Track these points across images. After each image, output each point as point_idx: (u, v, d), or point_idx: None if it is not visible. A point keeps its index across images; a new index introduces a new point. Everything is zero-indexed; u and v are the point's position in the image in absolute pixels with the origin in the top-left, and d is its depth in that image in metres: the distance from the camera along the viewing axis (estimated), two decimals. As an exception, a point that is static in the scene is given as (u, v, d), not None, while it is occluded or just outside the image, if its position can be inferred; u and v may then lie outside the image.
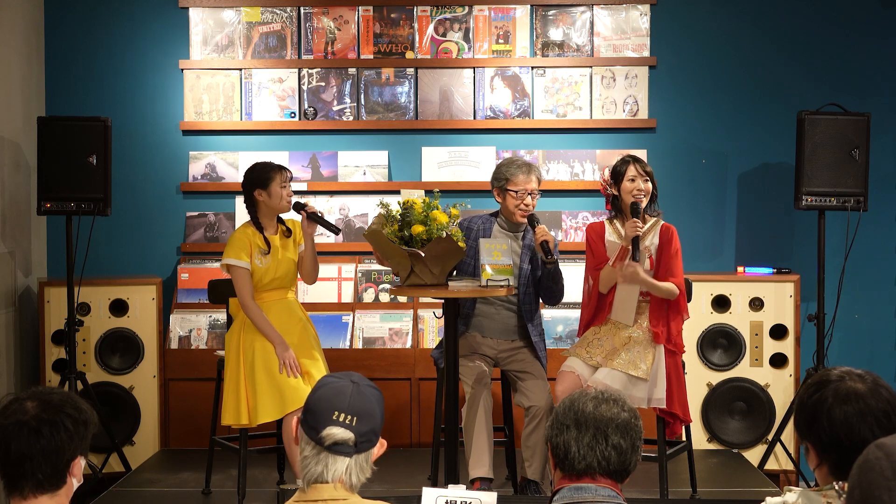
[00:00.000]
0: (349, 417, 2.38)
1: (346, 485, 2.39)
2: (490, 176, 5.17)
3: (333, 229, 5.13)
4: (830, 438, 2.38)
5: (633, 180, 4.90)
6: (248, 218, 5.16)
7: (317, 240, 5.17)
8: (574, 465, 2.49)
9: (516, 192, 5.02)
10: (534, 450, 4.89)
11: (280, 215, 5.13)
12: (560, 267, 5.07)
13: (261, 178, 5.04)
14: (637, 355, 4.79)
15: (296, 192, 5.18)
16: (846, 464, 2.35)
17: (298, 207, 5.09)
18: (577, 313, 6.08)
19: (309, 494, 2.39)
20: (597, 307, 5.04)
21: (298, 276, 5.22)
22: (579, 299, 6.05)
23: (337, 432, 2.37)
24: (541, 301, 5.23)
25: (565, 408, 2.55)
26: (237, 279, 4.97)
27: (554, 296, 5.13)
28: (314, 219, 5.07)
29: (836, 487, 2.35)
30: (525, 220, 5.06)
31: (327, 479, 2.38)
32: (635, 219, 4.84)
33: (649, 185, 4.91)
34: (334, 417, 2.38)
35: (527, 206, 5.03)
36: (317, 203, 6.41)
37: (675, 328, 4.93)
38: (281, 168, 5.08)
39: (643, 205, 4.91)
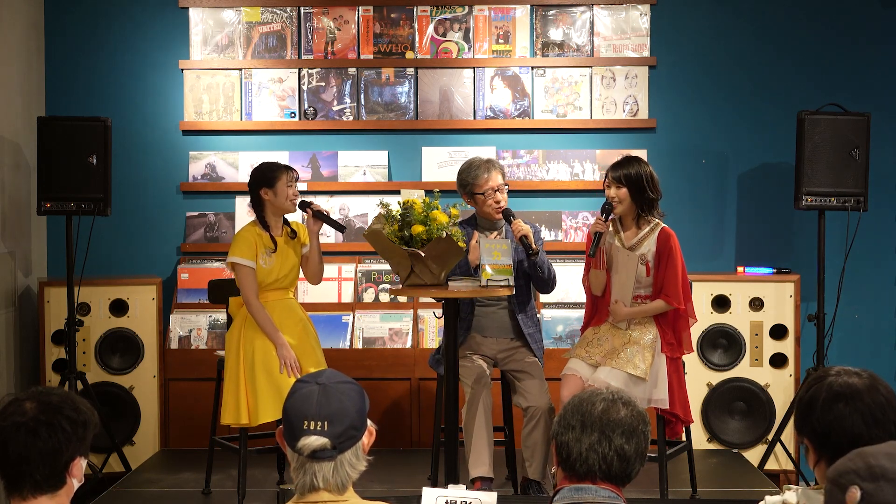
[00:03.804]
0: (320, 423, 2.33)
1: (337, 484, 2.36)
2: (456, 183, 5.17)
3: (339, 227, 5.15)
4: (824, 431, 2.38)
5: (608, 187, 4.95)
6: (249, 218, 5.17)
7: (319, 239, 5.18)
8: (575, 468, 2.46)
9: (483, 193, 5.04)
10: (533, 449, 4.89)
11: (285, 217, 5.15)
12: (544, 255, 5.07)
13: (267, 176, 5.05)
14: (636, 355, 4.79)
15: (299, 192, 5.19)
16: None
17: (304, 206, 5.11)
18: (576, 313, 6.10)
19: (308, 497, 2.39)
20: (593, 307, 5.05)
21: (302, 276, 5.24)
22: (578, 300, 6.08)
23: (311, 441, 2.32)
24: (535, 294, 5.26)
25: (573, 407, 2.51)
26: (243, 278, 4.97)
27: (545, 284, 5.14)
28: (319, 217, 5.09)
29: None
30: (501, 217, 5.09)
31: (319, 486, 2.36)
32: (601, 216, 4.91)
33: (622, 191, 4.89)
34: (305, 426, 2.33)
35: (498, 202, 5.06)
36: (317, 203, 6.40)
37: (685, 337, 4.94)
38: (288, 168, 5.10)
39: (617, 209, 4.92)
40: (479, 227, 5.15)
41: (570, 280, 6.17)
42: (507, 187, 5.12)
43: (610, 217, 4.94)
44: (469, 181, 5.08)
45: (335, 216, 6.39)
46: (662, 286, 4.88)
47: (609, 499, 2.44)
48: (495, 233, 5.15)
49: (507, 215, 5.05)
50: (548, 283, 5.13)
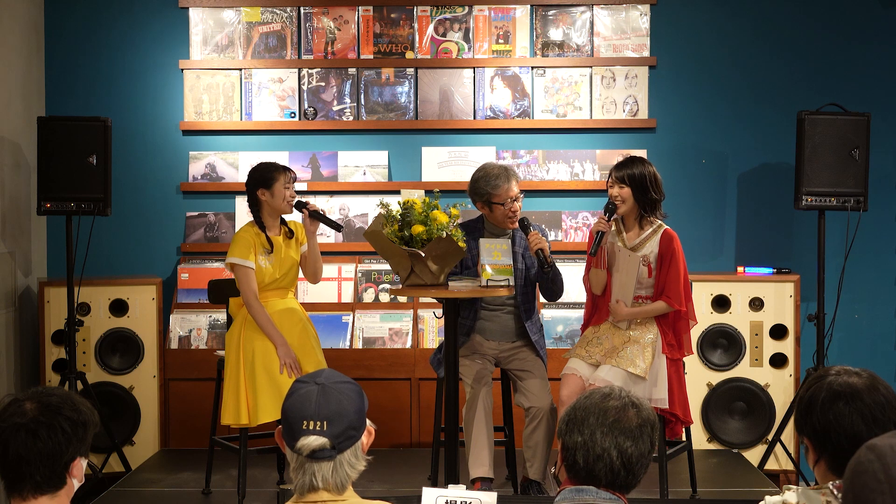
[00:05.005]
0: (319, 423, 2.33)
1: (336, 484, 2.37)
2: (469, 188, 5.09)
3: (336, 226, 5.15)
4: (823, 430, 2.38)
5: (611, 187, 4.95)
6: (249, 218, 5.17)
7: (317, 239, 5.19)
8: (581, 475, 2.45)
9: (503, 203, 4.99)
10: (535, 450, 4.89)
11: (282, 216, 5.15)
12: (557, 267, 5.07)
13: (264, 177, 5.05)
14: (637, 354, 4.79)
15: (297, 192, 5.19)
16: (842, 459, 2.35)
17: (300, 206, 5.11)
18: (576, 313, 6.10)
19: (307, 497, 2.39)
20: (593, 306, 5.05)
21: (301, 275, 5.24)
22: (578, 300, 6.08)
23: (311, 441, 2.32)
24: (540, 300, 5.24)
25: (584, 410, 2.47)
26: (242, 279, 4.97)
27: (554, 294, 5.15)
28: (316, 216, 5.09)
29: (832, 486, 2.35)
30: (517, 227, 5.05)
31: (318, 486, 2.37)
32: (604, 215, 4.91)
33: (625, 190, 4.90)
34: (304, 426, 2.33)
35: (514, 212, 5.01)
36: (317, 203, 6.40)
37: (685, 339, 4.94)
38: (285, 169, 5.10)
39: (620, 209, 4.92)
40: (488, 234, 5.09)
41: (569, 280, 6.16)
42: (522, 196, 5.07)
43: (613, 217, 4.94)
44: (488, 190, 4.98)
45: (335, 216, 6.40)
46: (664, 287, 4.88)
47: (610, 500, 2.43)
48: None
49: (525, 225, 5.00)
50: (556, 293, 5.14)
